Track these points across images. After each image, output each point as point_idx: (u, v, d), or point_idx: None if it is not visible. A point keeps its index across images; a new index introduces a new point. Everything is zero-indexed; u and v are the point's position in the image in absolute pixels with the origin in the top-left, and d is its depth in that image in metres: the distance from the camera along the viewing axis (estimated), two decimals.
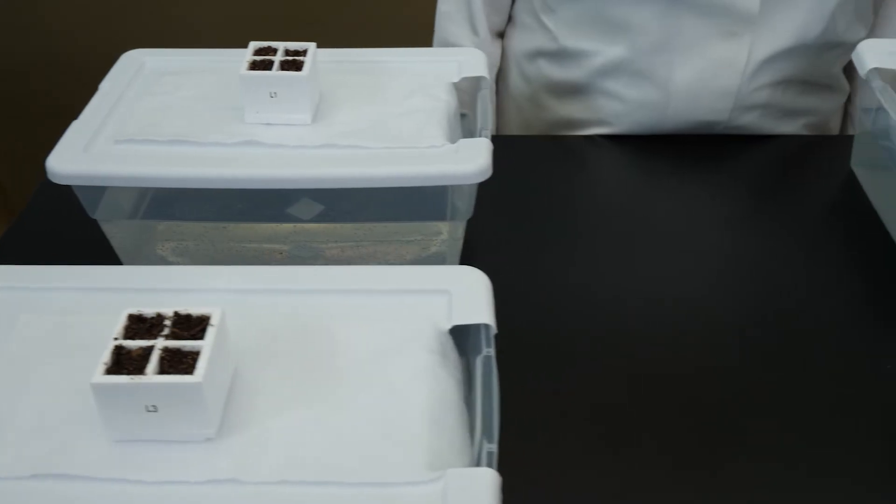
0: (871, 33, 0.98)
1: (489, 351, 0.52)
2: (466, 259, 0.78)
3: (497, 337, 0.53)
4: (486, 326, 0.54)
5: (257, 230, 0.81)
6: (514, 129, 1.06)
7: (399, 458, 0.46)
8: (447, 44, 1.01)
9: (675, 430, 0.63)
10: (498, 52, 1.02)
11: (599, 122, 0.96)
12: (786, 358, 0.69)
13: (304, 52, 0.75)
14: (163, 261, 0.78)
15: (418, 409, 0.48)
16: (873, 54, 0.81)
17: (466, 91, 0.80)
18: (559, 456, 0.61)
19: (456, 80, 0.80)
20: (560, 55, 0.96)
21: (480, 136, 0.72)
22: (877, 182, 0.83)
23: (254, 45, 0.76)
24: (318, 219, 0.77)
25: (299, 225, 0.78)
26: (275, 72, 0.72)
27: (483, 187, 0.71)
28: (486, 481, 0.44)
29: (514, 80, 1.03)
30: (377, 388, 0.49)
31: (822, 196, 0.86)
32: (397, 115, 0.75)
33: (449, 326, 0.54)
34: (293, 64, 0.73)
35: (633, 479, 0.60)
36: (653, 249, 0.80)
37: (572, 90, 0.97)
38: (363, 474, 0.45)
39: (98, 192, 0.72)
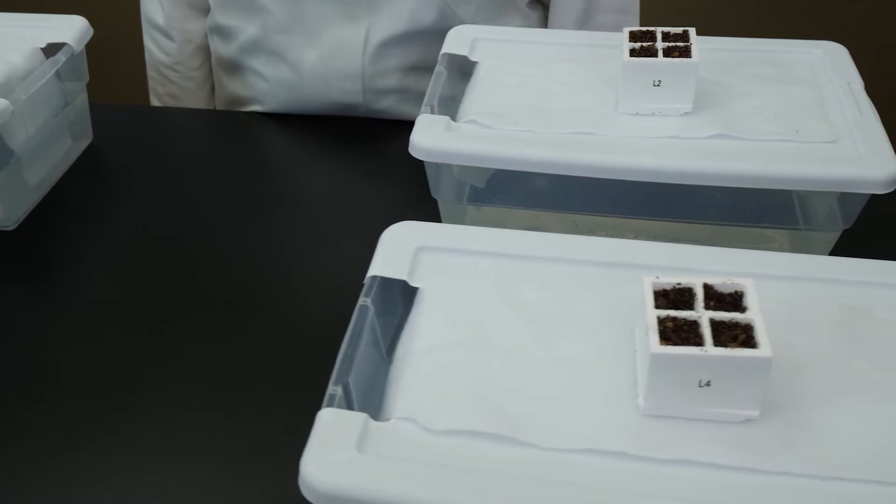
0: (549, 20, 0.96)
1: None
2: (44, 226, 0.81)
3: None
4: None
5: None
6: (217, 104, 1.07)
7: None
8: (147, 19, 1.02)
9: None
10: (194, 28, 1.02)
11: (254, 100, 0.96)
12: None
13: None
14: None
15: None
16: (455, 40, 0.79)
17: None
18: None
19: (42, 45, 0.82)
20: (219, 31, 0.97)
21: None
22: None
23: None
24: None
25: None
26: None
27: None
28: None
29: (212, 57, 1.04)
30: None
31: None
32: None
33: None
34: None
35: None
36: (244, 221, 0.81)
37: (231, 67, 0.98)
38: None
39: None
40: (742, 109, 0.69)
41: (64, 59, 0.80)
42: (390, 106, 0.92)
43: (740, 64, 0.74)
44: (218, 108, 1.06)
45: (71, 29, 0.82)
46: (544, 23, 0.97)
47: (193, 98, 1.05)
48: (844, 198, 0.67)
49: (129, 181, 0.86)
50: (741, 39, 0.78)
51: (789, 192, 0.71)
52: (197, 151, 0.91)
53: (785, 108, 0.69)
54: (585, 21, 0.94)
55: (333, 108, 0.92)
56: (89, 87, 0.87)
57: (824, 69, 0.74)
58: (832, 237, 0.70)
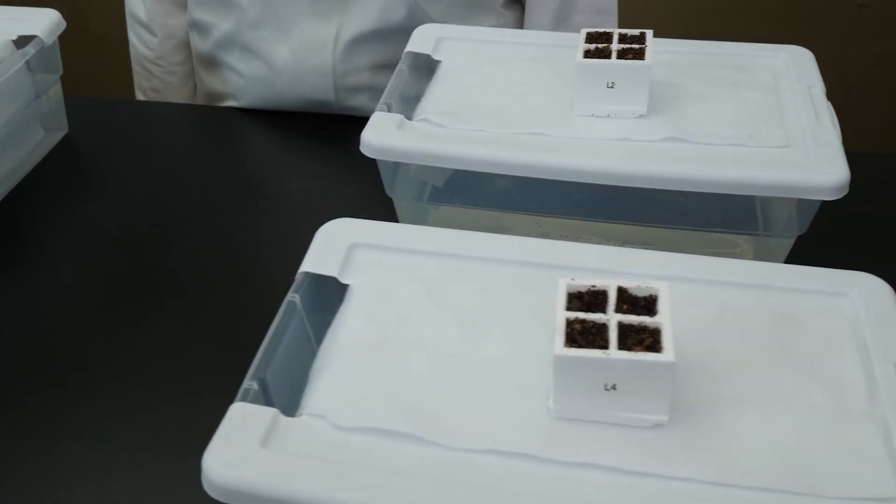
0: (525, 21, 0.96)
1: None
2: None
3: None
4: None
5: None
6: (199, 99, 1.07)
7: None
8: (130, 13, 1.03)
9: None
10: (176, 23, 1.03)
11: (231, 96, 0.97)
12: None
13: None
14: None
15: None
16: (420, 38, 0.79)
17: None
18: None
19: (13, 37, 0.83)
20: (196, 26, 0.97)
21: None
22: None
23: None
24: None
25: None
26: None
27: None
28: None
29: (193, 53, 1.04)
30: None
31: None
32: None
33: None
34: None
35: None
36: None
37: (209, 62, 0.98)
38: None
39: None
40: (698, 113, 0.68)
41: (33, 52, 0.81)
42: (362, 104, 0.92)
43: (702, 67, 0.74)
44: (199, 103, 1.07)
45: (42, 22, 0.83)
46: (520, 24, 0.97)
47: (176, 93, 1.06)
48: (802, 204, 0.66)
49: (102, 173, 0.87)
50: (706, 42, 0.77)
51: (752, 197, 0.70)
52: (172, 145, 0.92)
53: (741, 113, 0.68)
54: (561, 21, 0.94)
55: (307, 105, 0.92)
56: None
57: (787, 73, 0.73)
58: (788, 243, 0.69)
